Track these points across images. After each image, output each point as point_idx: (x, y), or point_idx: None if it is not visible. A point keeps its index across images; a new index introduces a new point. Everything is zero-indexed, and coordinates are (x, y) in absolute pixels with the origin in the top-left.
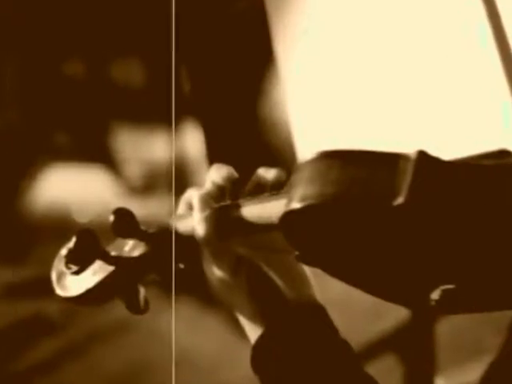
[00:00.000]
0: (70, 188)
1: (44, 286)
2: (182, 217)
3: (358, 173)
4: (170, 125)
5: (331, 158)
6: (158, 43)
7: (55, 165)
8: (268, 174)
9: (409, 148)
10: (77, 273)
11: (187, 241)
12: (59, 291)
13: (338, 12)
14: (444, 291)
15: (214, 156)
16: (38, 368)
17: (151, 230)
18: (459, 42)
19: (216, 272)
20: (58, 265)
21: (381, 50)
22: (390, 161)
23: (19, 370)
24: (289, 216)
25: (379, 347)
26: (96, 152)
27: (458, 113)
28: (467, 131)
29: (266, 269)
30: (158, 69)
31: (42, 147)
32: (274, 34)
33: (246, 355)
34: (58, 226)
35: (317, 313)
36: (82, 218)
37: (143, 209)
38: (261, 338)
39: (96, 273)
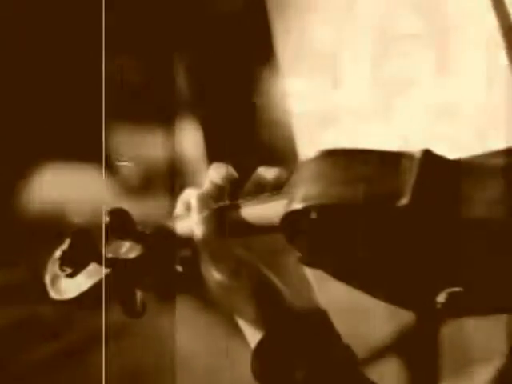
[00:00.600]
0: (65, 188)
1: (38, 289)
2: (179, 217)
3: (362, 172)
4: (168, 123)
5: (334, 156)
6: (156, 40)
7: (49, 164)
8: (268, 173)
9: (414, 147)
10: (71, 275)
11: (185, 242)
12: (53, 294)
13: (341, 9)
14: (450, 294)
15: (213, 155)
16: (33, 372)
17: (148, 231)
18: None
19: (215, 275)
20: (52, 267)
21: (385, 46)
22: (394, 160)
23: (15, 374)
24: (290, 217)
25: (383, 352)
26: (91, 151)
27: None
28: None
29: (266, 271)
30: (156, 66)
31: (35, 147)
32: (275, 30)
33: (246, 360)
34: (53, 227)
35: (318, 317)
36: (77, 218)
37: (140, 209)
38: (261, 343)
39: (91, 275)
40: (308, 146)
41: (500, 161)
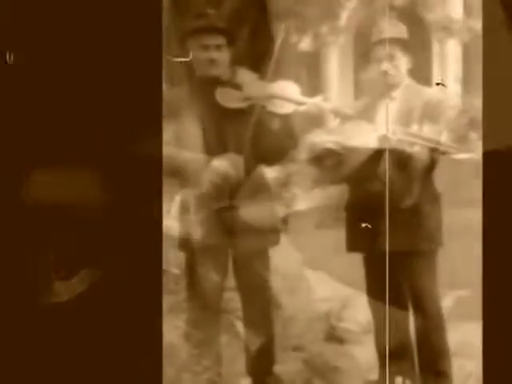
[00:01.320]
0: (60, 188)
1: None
2: (176, 218)
3: (364, 172)
4: (165, 123)
5: (335, 156)
6: (150, 38)
7: (44, 165)
8: (268, 173)
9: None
10: (66, 278)
11: (183, 244)
12: (48, 297)
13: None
14: (455, 297)
15: (213, 154)
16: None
17: (143, 233)
18: None
19: (213, 277)
20: (47, 270)
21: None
22: (396, 159)
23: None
24: (290, 217)
25: (386, 356)
26: (87, 151)
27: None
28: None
29: (265, 273)
30: (151, 64)
31: (34, 147)
32: (275, 26)
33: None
34: (48, 228)
35: (318, 321)
36: (72, 219)
37: (136, 210)
38: (261, 346)
39: (86, 277)
40: (304, 147)
41: (501, 160)
